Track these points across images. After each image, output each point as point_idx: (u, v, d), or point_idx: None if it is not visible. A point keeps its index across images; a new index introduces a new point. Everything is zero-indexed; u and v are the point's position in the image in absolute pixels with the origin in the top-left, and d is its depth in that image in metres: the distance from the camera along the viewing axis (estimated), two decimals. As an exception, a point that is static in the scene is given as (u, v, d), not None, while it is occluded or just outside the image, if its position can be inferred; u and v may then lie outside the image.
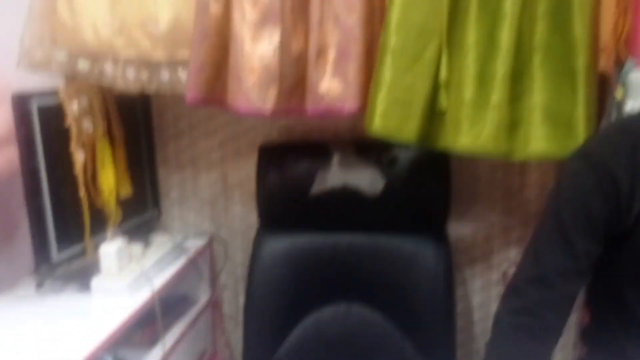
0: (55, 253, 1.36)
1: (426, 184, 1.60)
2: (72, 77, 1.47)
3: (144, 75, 1.42)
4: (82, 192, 1.43)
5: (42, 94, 1.36)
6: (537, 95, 1.34)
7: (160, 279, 1.47)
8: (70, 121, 1.41)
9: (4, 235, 1.76)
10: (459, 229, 1.76)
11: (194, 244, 1.73)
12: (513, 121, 1.34)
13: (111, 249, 1.38)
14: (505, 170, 1.71)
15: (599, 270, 1.09)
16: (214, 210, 1.84)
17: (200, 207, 1.84)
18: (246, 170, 1.80)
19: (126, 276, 1.39)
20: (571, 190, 1.06)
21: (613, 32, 1.35)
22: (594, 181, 1.03)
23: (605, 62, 1.36)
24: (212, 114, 1.77)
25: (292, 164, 1.61)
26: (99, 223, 1.50)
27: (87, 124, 1.46)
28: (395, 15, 1.29)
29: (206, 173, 1.83)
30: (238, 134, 1.79)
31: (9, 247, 1.76)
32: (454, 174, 1.62)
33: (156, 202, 1.82)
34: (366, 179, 1.58)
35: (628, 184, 1.00)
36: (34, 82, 1.48)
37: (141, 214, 1.73)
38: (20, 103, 1.30)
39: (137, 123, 1.73)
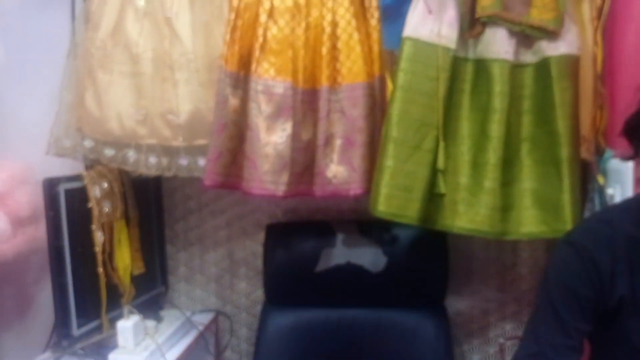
0: (75, 329, 1.42)
1: (425, 261, 1.70)
2: (96, 163, 1.58)
3: (165, 161, 1.54)
4: (100, 270, 1.51)
5: (68, 179, 1.46)
6: (526, 182, 1.47)
7: (173, 354, 1.52)
8: (92, 203, 1.50)
9: (19, 311, 1.81)
10: (456, 304, 1.84)
11: (201, 319, 1.78)
12: (505, 204, 1.46)
13: (128, 325, 1.44)
14: (498, 248, 1.81)
15: (594, 346, 1.18)
16: (220, 286, 1.91)
17: (207, 284, 1.91)
18: (251, 248, 1.88)
19: (142, 351, 1.44)
20: (559, 274, 1.17)
21: (592, 126, 1.50)
22: (579, 267, 1.14)
23: (586, 152, 1.50)
24: (219, 194, 1.87)
25: (298, 242, 1.71)
26: (114, 299, 1.56)
27: (107, 206, 1.56)
28: (395, 109, 1.42)
29: (213, 251, 1.91)
30: (244, 213, 1.89)
31: (22, 322, 1.81)
32: (450, 251, 1.72)
33: (164, 278, 1.89)
34: (369, 257, 1.68)
35: (609, 269, 1.11)
36: (53, 165, 1.59)
37: (150, 290, 1.80)
38: (50, 186, 1.40)
39: (149, 204, 1.83)
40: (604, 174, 1.49)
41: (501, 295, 1.83)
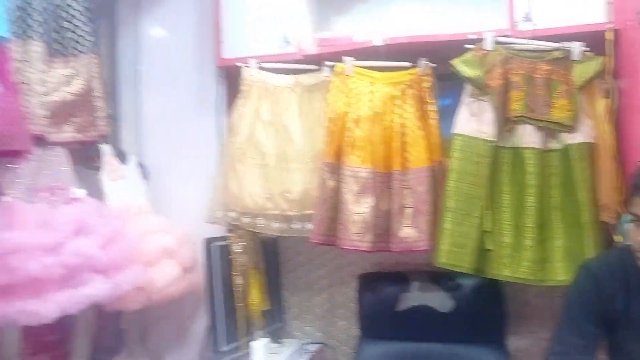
0: (223, 345, 2.01)
1: (484, 304, 2.13)
2: (235, 227, 2.21)
3: (284, 226, 2.13)
4: (238, 305, 2.10)
5: (219, 238, 2.10)
6: (558, 240, 1.90)
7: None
8: (234, 256, 2.12)
9: (178, 339, 2.45)
10: (517, 342, 2.22)
11: (311, 349, 2.31)
12: (542, 258, 1.90)
13: (260, 345, 2.01)
14: (549, 296, 2.19)
15: (608, 348, 1.59)
16: (324, 323, 2.44)
17: (314, 321, 2.46)
18: (348, 294, 2.41)
19: (270, 366, 2.01)
20: (576, 290, 1.60)
21: (612, 196, 1.89)
22: (589, 284, 1.56)
23: (608, 216, 1.89)
24: (323, 251, 2.43)
25: (383, 288, 2.22)
26: (248, 327, 2.15)
27: (243, 259, 2.17)
28: (451, 186, 1.93)
29: (318, 295, 2.46)
30: (341, 266, 2.43)
31: (180, 348, 2.44)
32: (509, 299, 2.13)
33: (281, 316, 2.46)
34: (438, 300, 2.14)
35: (610, 288, 1.53)
36: (201, 229, 2.25)
37: (272, 324, 2.37)
38: (208, 244, 2.04)
39: (269, 258, 2.42)
40: (622, 233, 1.87)
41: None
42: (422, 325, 2.17)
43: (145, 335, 2.44)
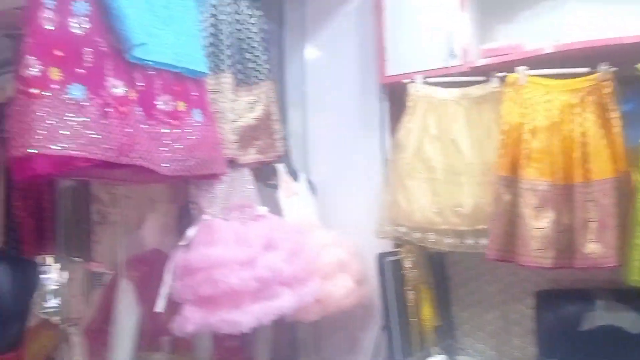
0: (400, 359, 2.03)
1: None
2: (404, 242, 2.23)
3: (456, 241, 2.11)
4: (412, 320, 2.12)
5: (390, 253, 2.13)
6: None
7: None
8: (405, 271, 2.15)
9: (348, 350, 2.52)
10: None
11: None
12: None
13: (437, 361, 2.01)
14: None
15: None
16: (497, 342, 2.37)
17: (486, 338, 2.39)
18: (523, 311, 2.31)
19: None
20: None
21: None
22: None
23: None
24: (494, 266, 2.36)
25: (565, 306, 2.11)
26: (422, 343, 2.15)
27: (414, 274, 2.19)
28: (641, 199, 1.79)
29: (489, 312, 2.40)
30: (514, 282, 2.35)
31: (352, 355, 2.50)
32: None
33: (452, 333, 2.43)
34: (628, 320, 1.99)
35: None
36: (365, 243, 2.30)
37: (443, 340, 2.35)
38: (381, 258, 2.08)
39: (437, 273, 2.41)
40: None
41: None
42: (608, 346, 2.03)
43: (319, 346, 2.54)
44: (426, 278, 2.26)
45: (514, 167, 1.99)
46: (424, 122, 2.22)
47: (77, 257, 2.80)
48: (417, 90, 2.24)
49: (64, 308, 2.72)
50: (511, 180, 1.99)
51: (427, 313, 2.20)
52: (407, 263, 2.17)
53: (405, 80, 2.27)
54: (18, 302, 1.66)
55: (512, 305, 2.35)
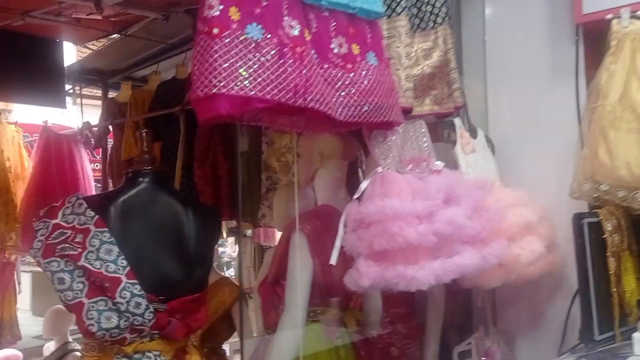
0: (597, 334, 1.78)
1: None
2: (603, 203, 1.94)
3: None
4: (614, 290, 1.84)
5: (589, 214, 1.86)
6: None
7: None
8: (606, 235, 1.86)
9: (532, 323, 2.30)
10: None
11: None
12: None
13: (643, 337, 1.72)
14: None
15: None
16: None
17: None
18: None
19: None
20: None
21: None
22: None
23: None
24: None
25: None
26: (621, 316, 1.86)
27: (616, 238, 1.89)
28: None
29: None
30: None
31: (534, 332, 2.28)
32: None
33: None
34: None
35: None
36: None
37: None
38: (578, 220, 1.82)
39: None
40: None
41: None
42: None
43: (497, 316, 2.35)
44: (630, 244, 1.95)
45: None
46: (631, 63, 1.90)
47: (250, 221, 2.92)
48: (624, 26, 1.92)
49: (237, 279, 2.87)
50: None
51: (630, 284, 1.90)
52: (609, 226, 1.88)
53: (608, 16, 1.96)
54: (204, 247, 1.71)
55: None
